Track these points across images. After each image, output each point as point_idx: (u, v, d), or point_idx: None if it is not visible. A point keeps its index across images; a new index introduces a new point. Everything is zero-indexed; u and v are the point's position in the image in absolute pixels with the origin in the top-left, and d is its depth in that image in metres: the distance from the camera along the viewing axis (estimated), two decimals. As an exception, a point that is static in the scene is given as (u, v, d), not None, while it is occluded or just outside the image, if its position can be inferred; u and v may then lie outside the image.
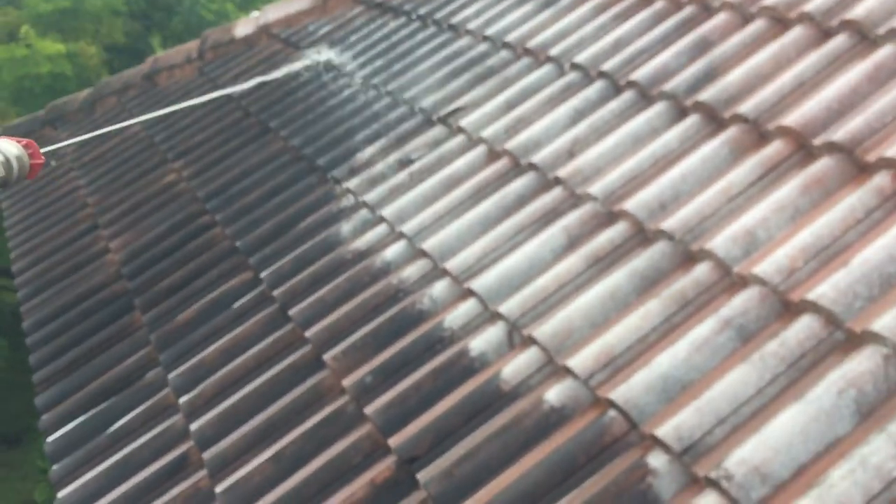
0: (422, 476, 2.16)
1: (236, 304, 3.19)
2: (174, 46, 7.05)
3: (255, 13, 5.55)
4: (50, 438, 3.07)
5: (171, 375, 3.02)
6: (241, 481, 2.45)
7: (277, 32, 5.11)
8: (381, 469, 2.26)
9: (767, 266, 2.13)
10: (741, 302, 2.11)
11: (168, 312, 3.35)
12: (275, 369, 2.80)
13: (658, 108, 2.87)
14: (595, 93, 3.12)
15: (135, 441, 2.87)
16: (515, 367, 2.29)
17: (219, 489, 2.47)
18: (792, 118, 2.48)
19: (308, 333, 2.84)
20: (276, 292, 3.11)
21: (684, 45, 3.05)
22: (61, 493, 2.81)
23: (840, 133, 2.36)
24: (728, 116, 2.67)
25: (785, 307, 2.08)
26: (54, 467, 2.93)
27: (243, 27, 5.31)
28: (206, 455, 2.62)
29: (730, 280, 2.22)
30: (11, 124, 5.85)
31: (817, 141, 2.40)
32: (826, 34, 2.79)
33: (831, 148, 2.36)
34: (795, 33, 2.83)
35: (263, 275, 3.23)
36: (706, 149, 2.59)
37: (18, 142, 2.54)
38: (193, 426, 2.75)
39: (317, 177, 3.64)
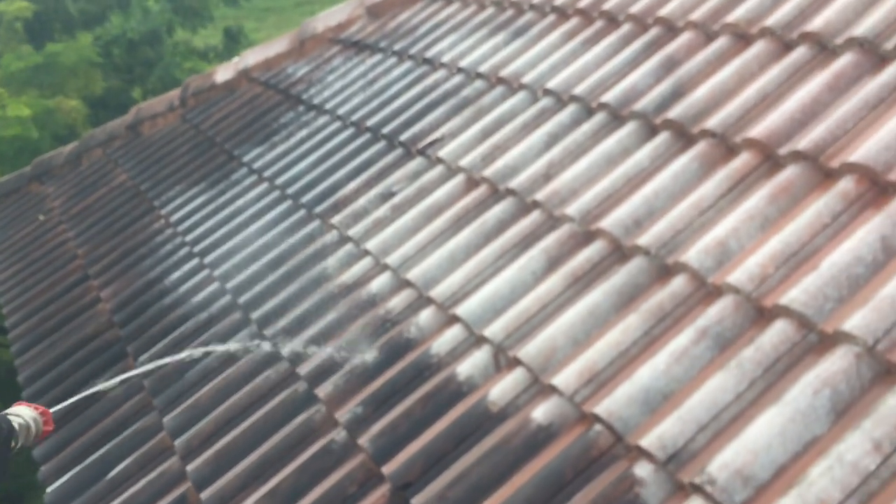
0: (416, 501, 2.19)
1: (228, 344, 3.23)
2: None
3: (236, 59, 5.64)
4: (49, 489, 3.09)
5: (166, 419, 3.05)
6: (239, 519, 2.48)
7: (257, 76, 5.20)
8: (376, 497, 2.29)
9: (740, 275, 2.18)
10: (717, 311, 2.16)
11: (161, 357, 3.38)
12: (268, 406, 2.83)
13: (629, 128, 2.94)
14: (568, 117, 3.19)
15: (134, 485, 2.89)
16: (502, 388, 2.34)
17: (218, 528, 2.50)
18: (757, 130, 2.55)
19: (301, 371, 2.87)
20: (266, 332, 3.15)
21: (651, 66, 3.13)
22: (62, 543, 2.83)
23: (804, 142, 2.42)
24: (696, 132, 2.74)
25: (759, 313, 2.13)
26: (55, 517, 2.95)
27: (223, 73, 5.39)
28: (204, 495, 2.64)
29: (705, 291, 2.27)
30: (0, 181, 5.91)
31: (783, 150, 2.47)
32: (787, 47, 2.87)
33: (796, 157, 2.43)
34: (757, 48, 2.91)
35: (254, 315, 3.26)
36: (676, 165, 2.66)
37: (35, 408, 2.58)
38: (190, 467, 2.78)
39: (302, 215, 3.69)
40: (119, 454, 3.06)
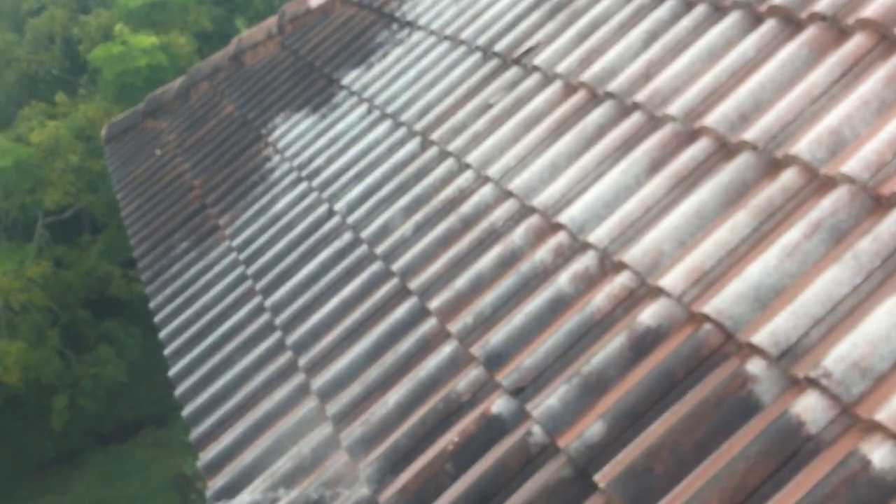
0: (530, 406, 2.25)
1: (342, 264, 3.33)
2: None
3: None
4: (187, 406, 3.31)
5: (291, 337, 3.19)
6: (362, 426, 2.60)
7: (350, -3, 5.20)
8: (490, 402, 2.36)
9: (855, 163, 2.09)
10: (830, 203, 2.09)
11: (279, 278, 3.53)
12: (384, 321, 2.93)
13: (732, 18, 2.82)
14: (666, 11, 3.08)
15: (263, 399, 3.06)
16: (609, 293, 2.34)
17: (343, 435, 2.63)
18: (871, 9, 2.40)
19: (411, 285, 2.95)
20: (377, 250, 3.23)
21: (754, -50, 2.96)
22: (203, 456, 3.04)
23: (924, 17, 2.27)
24: (805, 16, 2.60)
25: (876, 202, 2.05)
26: (193, 432, 3.17)
27: (317, -4, 5.42)
28: (328, 407, 2.78)
29: (818, 182, 2.20)
30: (117, 119, 6.18)
31: (900, 29, 2.32)
32: (903, -84, 2.66)
33: (915, 34, 2.28)
34: (870, -81, 2.71)
35: (364, 235, 3.35)
36: (784, 53, 2.54)
37: None
38: (315, 382, 2.92)
39: (403, 133, 3.73)
40: (246, 374, 3.23)
